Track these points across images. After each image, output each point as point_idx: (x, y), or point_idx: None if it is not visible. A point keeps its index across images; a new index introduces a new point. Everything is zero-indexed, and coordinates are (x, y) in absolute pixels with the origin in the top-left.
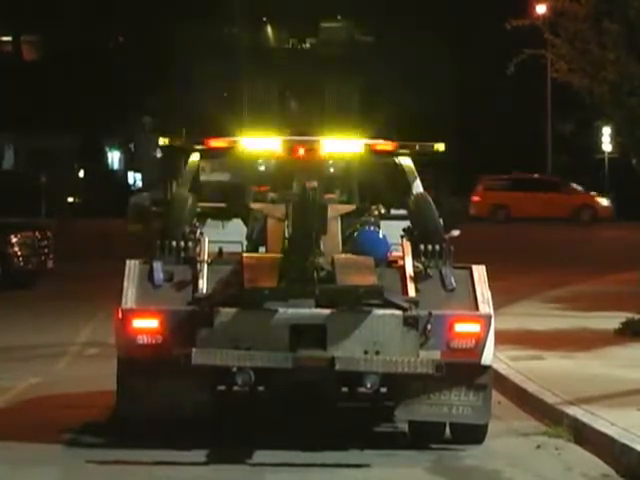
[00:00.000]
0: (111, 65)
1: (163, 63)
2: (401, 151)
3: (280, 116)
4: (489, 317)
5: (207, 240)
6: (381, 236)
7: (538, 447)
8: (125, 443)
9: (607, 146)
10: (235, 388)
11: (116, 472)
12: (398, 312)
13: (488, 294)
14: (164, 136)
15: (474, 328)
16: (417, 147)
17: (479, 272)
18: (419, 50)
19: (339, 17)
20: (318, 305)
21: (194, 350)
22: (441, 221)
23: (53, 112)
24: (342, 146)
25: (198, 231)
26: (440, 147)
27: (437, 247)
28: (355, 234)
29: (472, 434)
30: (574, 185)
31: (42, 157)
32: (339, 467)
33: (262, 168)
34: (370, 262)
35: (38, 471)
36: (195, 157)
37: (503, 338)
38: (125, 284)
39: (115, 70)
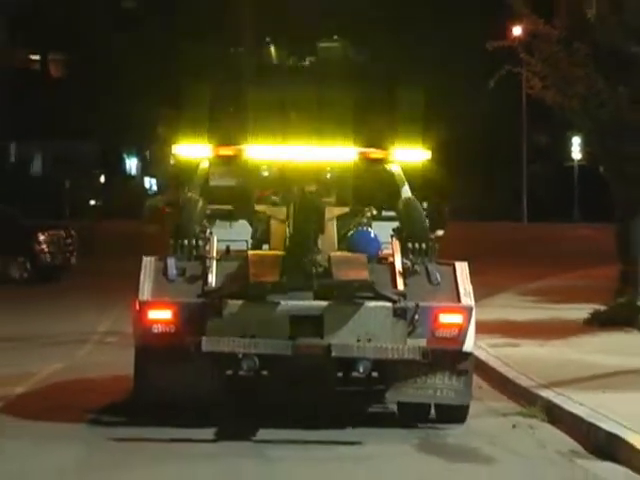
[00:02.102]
0: (130, 80)
1: (176, 79)
2: (391, 159)
3: (282, 127)
4: (470, 309)
5: (216, 239)
6: (373, 236)
7: (514, 426)
8: (142, 422)
9: (577, 155)
10: (241, 373)
11: (133, 448)
12: (388, 304)
13: (470, 288)
14: (177, 145)
15: (457, 319)
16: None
17: (461, 268)
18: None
19: (335, 37)
20: (316, 298)
21: (204, 338)
22: (427, 222)
23: (76, 123)
24: (338, 154)
25: (208, 231)
26: (426, 155)
27: (423, 245)
28: (349, 234)
29: (455, 414)
30: None
31: (66, 164)
32: (335, 444)
33: (265, 174)
34: (363, 259)
35: (63, 448)
36: (205, 164)
37: (483, 327)
38: (142, 278)
39: (133, 84)
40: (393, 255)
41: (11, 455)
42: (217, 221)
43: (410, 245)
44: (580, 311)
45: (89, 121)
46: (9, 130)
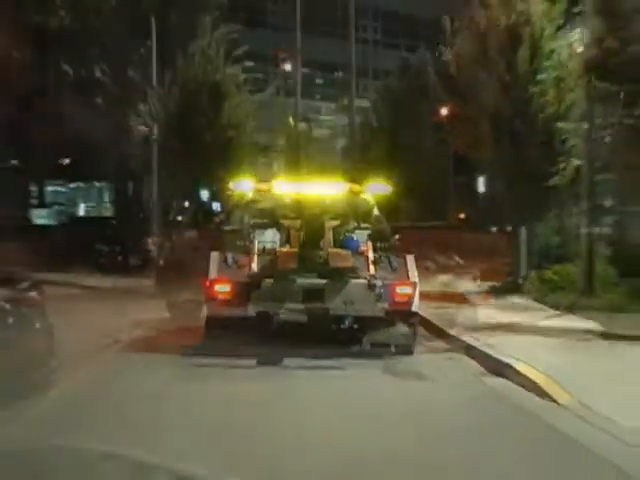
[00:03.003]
0: (205, 143)
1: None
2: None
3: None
4: (416, 283)
5: (257, 241)
6: (355, 239)
7: (447, 359)
8: (210, 355)
9: (481, 188)
10: (273, 324)
11: (206, 371)
12: (364, 281)
13: (415, 271)
14: (233, 183)
15: (407, 290)
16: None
17: (410, 258)
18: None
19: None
20: (319, 277)
21: (249, 304)
22: (389, 230)
23: (174, 171)
24: (333, 187)
25: (251, 236)
26: (389, 190)
27: (386, 244)
28: (340, 238)
29: (406, 351)
30: None
31: (163, 194)
32: (330, 369)
33: (288, 200)
34: (349, 254)
35: (164, 369)
36: (250, 194)
37: (424, 296)
38: (210, 265)
39: (207, 142)
40: (368, 251)
41: (132, 374)
42: (257, 230)
43: (378, 244)
44: (484, 286)
45: (178, 169)
46: (127, 174)
